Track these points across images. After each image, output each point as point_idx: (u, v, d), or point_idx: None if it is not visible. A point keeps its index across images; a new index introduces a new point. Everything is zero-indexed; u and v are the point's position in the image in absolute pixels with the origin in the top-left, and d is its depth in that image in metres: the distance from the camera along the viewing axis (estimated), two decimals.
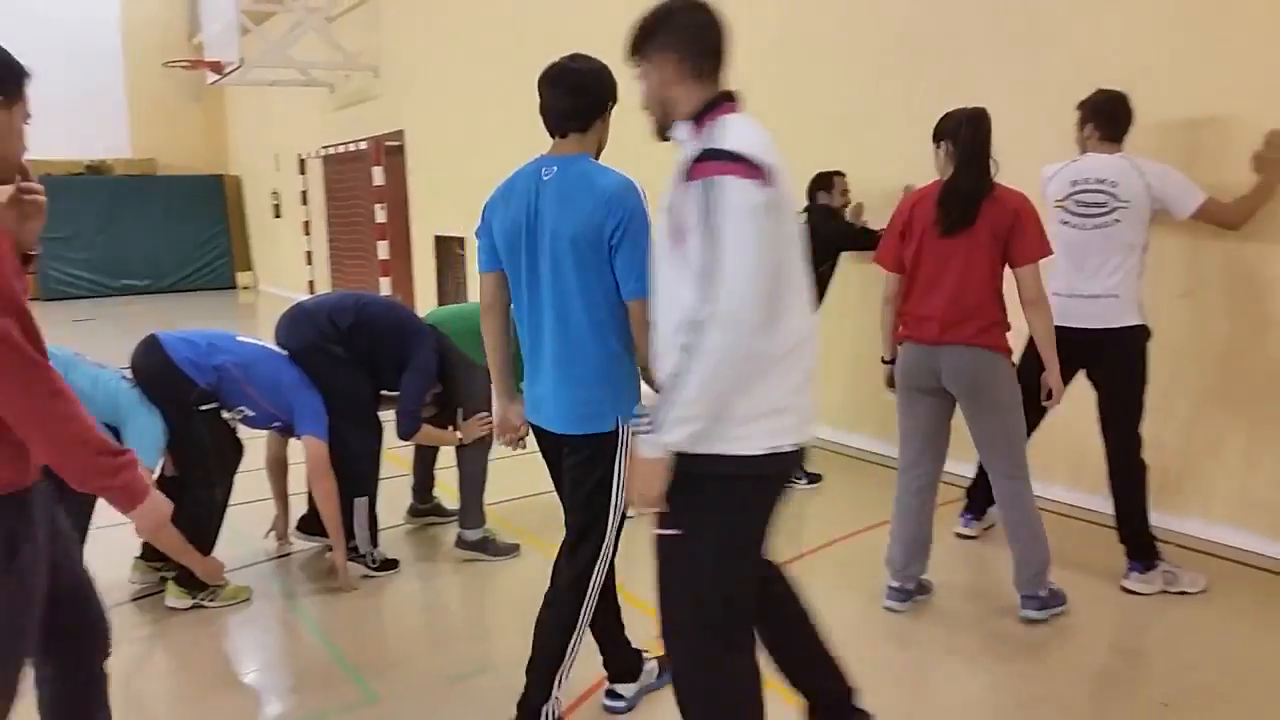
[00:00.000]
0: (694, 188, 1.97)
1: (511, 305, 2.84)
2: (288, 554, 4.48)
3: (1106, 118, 3.79)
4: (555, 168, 2.64)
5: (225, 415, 3.96)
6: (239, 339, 4.02)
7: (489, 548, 4.37)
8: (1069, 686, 3.19)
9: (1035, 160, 4.14)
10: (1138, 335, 3.76)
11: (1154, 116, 4.09)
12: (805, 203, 5.28)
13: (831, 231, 5.16)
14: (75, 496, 2.23)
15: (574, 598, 2.75)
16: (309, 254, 15.01)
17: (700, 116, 2.11)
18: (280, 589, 4.17)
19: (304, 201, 15.02)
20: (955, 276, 3.40)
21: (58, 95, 17.74)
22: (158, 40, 18.33)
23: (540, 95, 2.70)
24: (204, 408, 3.82)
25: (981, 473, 4.24)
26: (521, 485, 4.87)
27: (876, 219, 5.65)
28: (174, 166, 18.80)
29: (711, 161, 1.96)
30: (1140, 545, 3.83)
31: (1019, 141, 4.71)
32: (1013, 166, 4.32)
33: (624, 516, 2.75)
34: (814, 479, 5.25)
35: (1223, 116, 4.09)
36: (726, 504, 2.14)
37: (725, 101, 2.14)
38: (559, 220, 2.56)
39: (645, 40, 2.17)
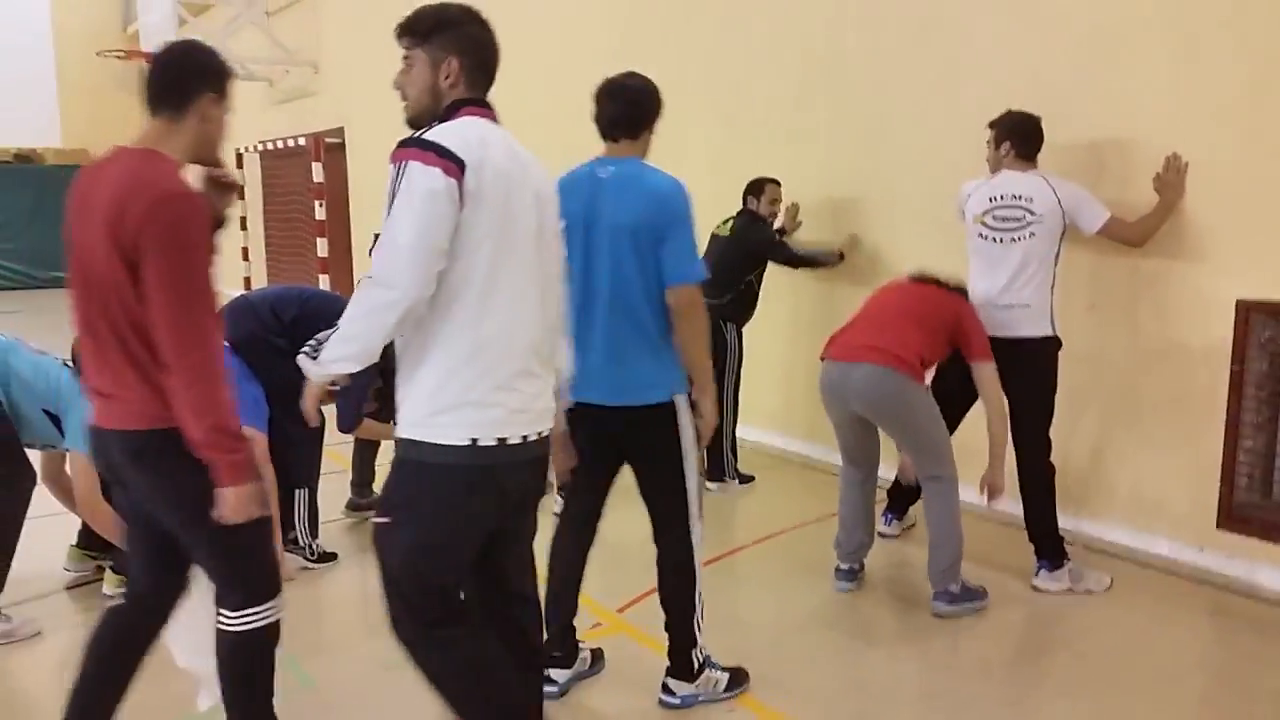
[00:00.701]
0: (391, 169, 2.15)
1: None
2: None
3: (1021, 137, 4.03)
4: (611, 168, 2.99)
5: None
6: None
7: None
8: (973, 677, 3.39)
9: (955, 177, 4.36)
10: (1048, 345, 4.00)
11: (1063, 138, 4.33)
12: (736, 210, 5.48)
13: (752, 235, 5.34)
14: None
15: (685, 553, 3.00)
16: (245, 250, 14.85)
17: (446, 115, 2.27)
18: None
19: (240, 196, 14.86)
20: None
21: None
22: (90, 29, 18.02)
23: (597, 105, 3.09)
24: None
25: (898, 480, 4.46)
26: None
27: (805, 230, 5.90)
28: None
29: (406, 148, 2.14)
30: (1048, 545, 4.06)
31: (940, 158, 4.98)
32: (933, 182, 4.54)
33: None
34: (745, 479, 5.43)
35: (1126, 139, 4.34)
36: (428, 491, 2.23)
37: (470, 105, 2.31)
38: (617, 212, 2.89)
39: (432, 31, 2.30)
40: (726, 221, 5.48)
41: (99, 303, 2.31)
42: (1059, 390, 4.15)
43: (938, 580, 3.76)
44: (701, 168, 6.56)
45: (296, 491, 4.18)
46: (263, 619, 2.51)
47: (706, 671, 3.12)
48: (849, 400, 3.80)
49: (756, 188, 5.47)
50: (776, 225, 5.72)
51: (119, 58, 14.35)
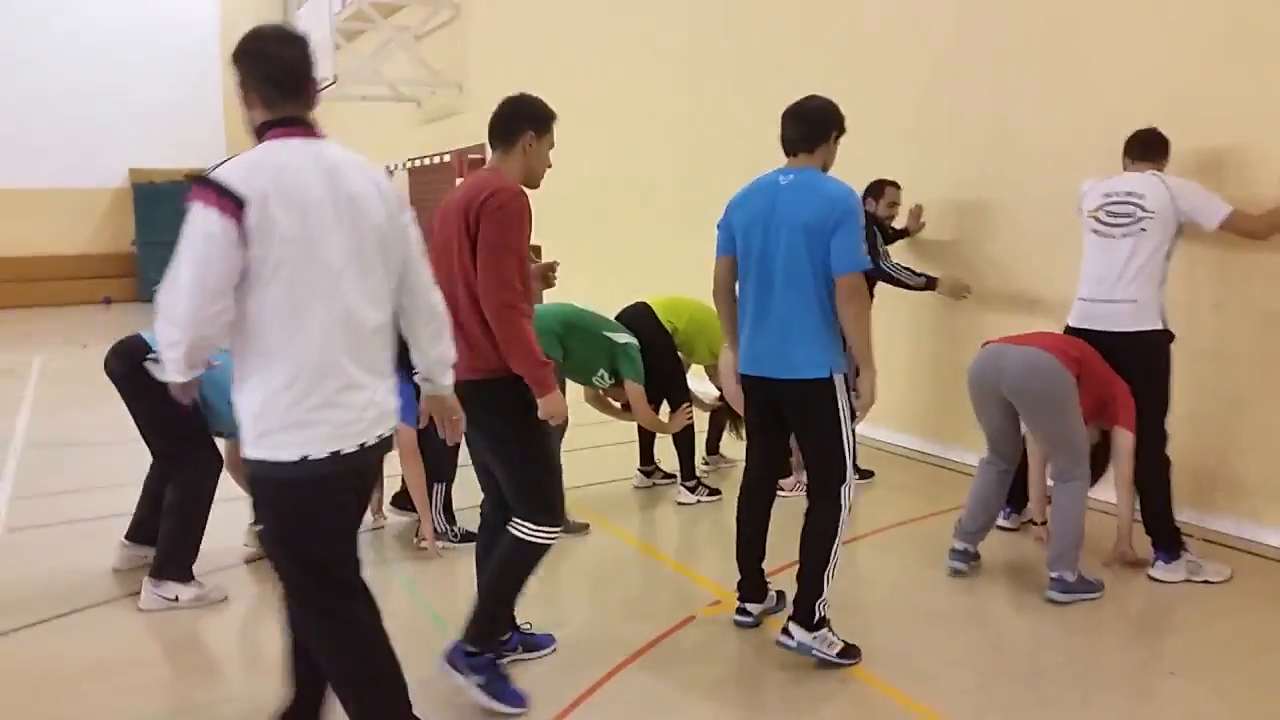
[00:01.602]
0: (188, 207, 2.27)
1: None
2: (381, 527, 4.97)
3: (1140, 144, 4.14)
4: (791, 176, 3.43)
5: None
6: None
7: (566, 526, 4.79)
8: (1082, 655, 3.48)
9: (1080, 178, 4.43)
10: (1159, 339, 4.04)
11: (1188, 140, 4.36)
12: None
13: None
14: None
15: (832, 513, 3.38)
16: None
17: (257, 140, 2.39)
18: (376, 556, 4.65)
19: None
20: None
21: (161, 108, 18.90)
22: None
23: (781, 126, 3.55)
24: None
25: (1018, 473, 4.54)
26: (591, 474, 5.29)
27: (930, 231, 6.00)
28: None
29: (195, 187, 2.25)
30: (1165, 537, 4.10)
31: (1065, 160, 5.02)
32: (1058, 183, 4.62)
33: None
34: (865, 474, 5.58)
35: (1251, 139, 4.33)
36: (277, 503, 2.45)
37: (275, 128, 2.37)
38: (795, 213, 3.31)
39: (233, 62, 2.40)
40: None
41: (452, 285, 2.98)
42: (1182, 385, 4.19)
43: (1055, 566, 3.85)
44: (834, 173, 6.73)
45: (435, 485, 4.59)
46: (542, 538, 3.10)
47: (825, 629, 3.37)
48: (1001, 382, 3.91)
49: (876, 189, 5.59)
50: (899, 226, 5.85)
51: None
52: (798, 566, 3.42)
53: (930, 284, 5.44)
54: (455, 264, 3.02)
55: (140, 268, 18.26)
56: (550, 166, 3.29)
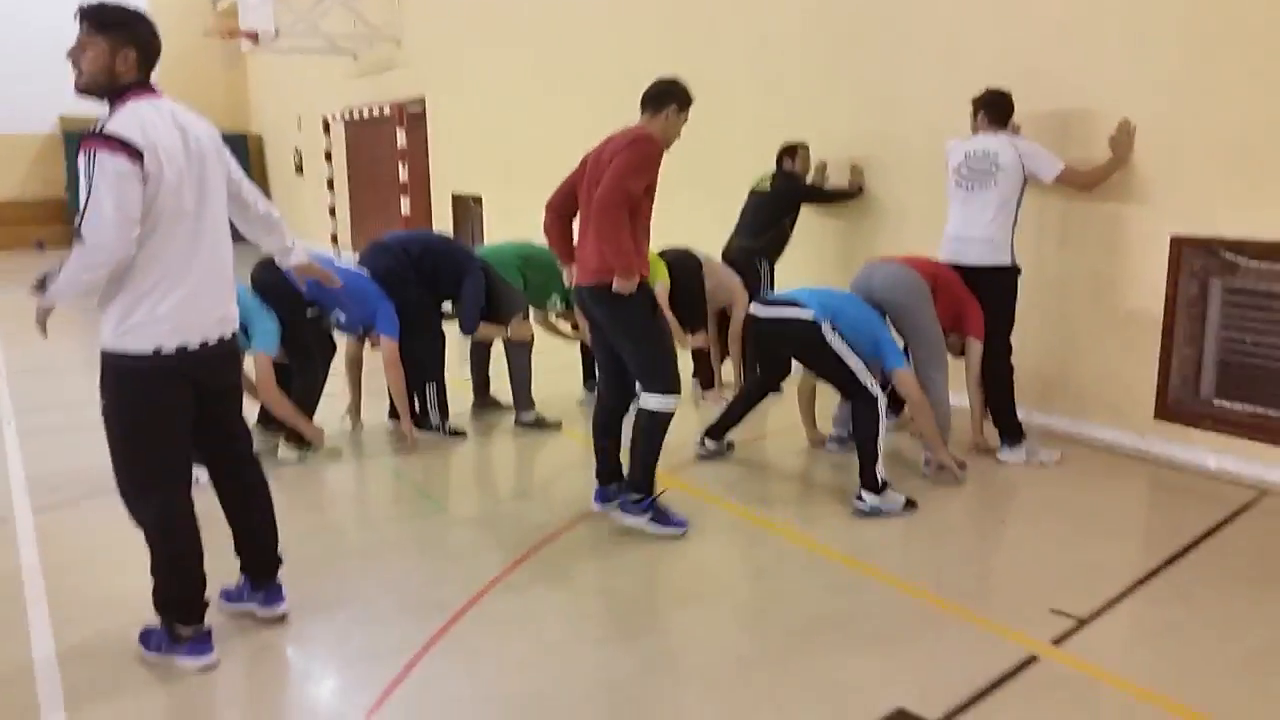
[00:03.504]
0: (81, 155, 2.73)
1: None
2: (358, 430, 5.76)
3: (991, 108, 5.07)
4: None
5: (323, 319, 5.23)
6: (335, 261, 5.26)
7: (541, 424, 5.71)
8: (948, 510, 4.48)
9: (951, 135, 5.36)
10: (1009, 272, 5.03)
11: (1039, 107, 5.33)
12: (773, 169, 6.55)
13: (787, 190, 6.44)
14: None
15: (870, 404, 4.37)
16: (332, 209, 16.17)
17: (115, 99, 2.84)
18: (364, 451, 5.46)
19: (328, 160, 16.16)
20: None
21: None
22: (180, 4, 19.40)
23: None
24: (310, 312, 5.07)
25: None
26: (547, 391, 6.14)
27: (831, 183, 6.95)
28: None
29: (95, 139, 2.71)
30: (1009, 428, 5.12)
31: (942, 122, 5.97)
32: (936, 141, 5.56)
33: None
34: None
35: (1088, 108, 5.31)
36: (123, 389, 2.93)
37: (135, 89, 2.85)
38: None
39: (97, 23, 2.84)
40: (763, 179, 6.57)
41: (589, 209, 3.94)
42: (1029, 307, 5.20)
43: (926, 449, 4.84)
44: (743, 134, 7.63)
45: (426, 384, 5.40)
46: (663, 406, 4.03)
47: (889, 490, 4.33)
48: (871, 288, 4.81)
49: (790, 151, 6.58)
50: (809, 180, 6.80)
51: (222, 37, 15.63)
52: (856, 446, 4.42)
53: (860, 189, 6.68)
54: (593, 194, 3.93)
55: (72, 213, 18.36)
56: (679, 138, 4.17)
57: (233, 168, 3.21)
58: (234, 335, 3.17)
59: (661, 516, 4.13)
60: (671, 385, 4.05)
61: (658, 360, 4.05)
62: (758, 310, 4.78)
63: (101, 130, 2.73)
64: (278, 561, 3.43)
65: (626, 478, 4.17)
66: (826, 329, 4.43)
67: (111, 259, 2.75)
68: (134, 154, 2.72)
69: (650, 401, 4.04)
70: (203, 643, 3.10)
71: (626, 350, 4.09)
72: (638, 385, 4.10)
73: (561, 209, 4.27)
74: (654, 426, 4.08)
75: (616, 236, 3.84)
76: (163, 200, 2.82)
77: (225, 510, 3.34)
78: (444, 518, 4.58)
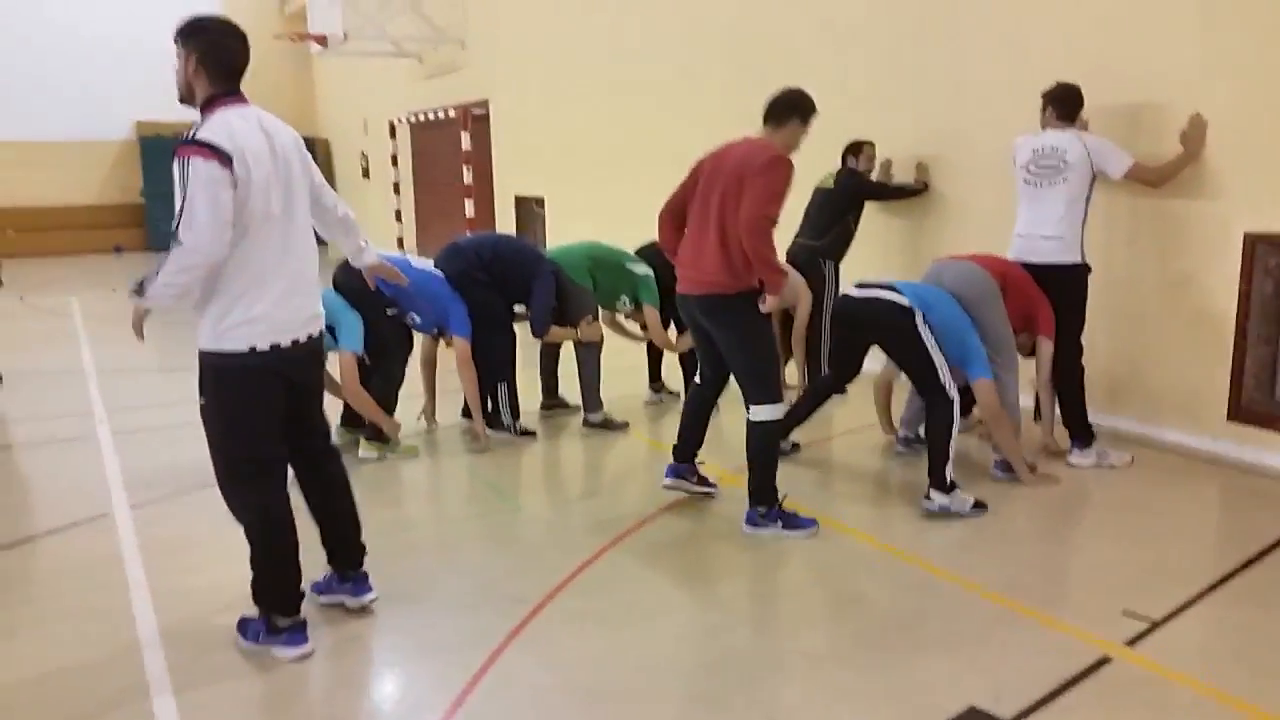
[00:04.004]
0: (176, 161, 2.87)
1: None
2: (434, 429, 5.92)
3: (1059, 103, 5.04)
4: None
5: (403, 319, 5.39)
6: (413, 263, 5.42)
7: (610, 425, 5.83)
8: (1021, 512, 4.50)
9: (1018, 131, 5.35)
10: (1079, 270, 5.01)
11: (1107, 101, 5.30)
12: (838, 165, 6.58)
13: (851, 186, 6.48)
14: None
15: (946, 405, 4.42)
16: (398, 212, 16.49)
17: (204, 108, 3.01)
18: (439, 450, 5.62)
19: (394, 164, 16.48)
20: None
21: (164, 62, 19.40)
22: (252, 9, 19.89)
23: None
24: (389, 312, 5.24)
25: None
26: (612, 392, 6.23)
27: (896, 180, 6.95)
28: None
29: (188, 146, 2.86)
30: (1080, 430, 5.10)
31: (1006, 119, 5.95)
32: (1001, 138, 5.54)
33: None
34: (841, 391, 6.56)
35: (1158, 101, 5.27)
36: (221, 387, 3.08)
37: (222, 98, 3.00)
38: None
39: (176, 35, 3.05)
40: (827, 176, 6.60)
41: (716, 218, 4.04)
42: (1099, 307, 5.18)
43: (996, 451, 4.86)
44: (814, 130, 7.64)
45: (498, 384, 5.54)
46: (771, 415, 4.19)
47: (958, 490, 4.39)
48: (940, 286, 4.79)
49: (855, 148, 6.59)
50: (874, 178, 6.81)
51: (292, 40, 16.01)
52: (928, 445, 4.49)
53: (925, 186, 6.74)
54: (715, 207, 4.07)
55: (149, 218, 18.97)
56: (798, 148, 4.24)
57: (315, 172, 3.36)
58: (321, 333, 3.32)
59: (791, 521, 4.24)
60: (778, 394, 4.24)
61: (766, 371, 4.23)
62: (852, 290, 4.82)
63: (194, 137, 2.88)
64: (362, 551, 3.57)
65: (750, 491, 4.27)
66: (919, 319, 4.46)
67: (207, 260, 2.90)
68: (224, 159, 2.86)
69: (760, 413, 4.19)
70: (298, 633, 3.25)
71: (737, 360, 4.26)
72: (745, 397, 4.23)
73: (676, 218, 4.38)
74: (767, 437, 4.24)
75: (770, 258, 4.00)
76: (253, 204, 2.96)
77: (309, 503, 3.48)
78: (518, 515, 4.71)
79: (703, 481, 4.69)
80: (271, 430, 3.19)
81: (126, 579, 3.87)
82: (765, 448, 4.24)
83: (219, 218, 2.87)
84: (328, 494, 3.50)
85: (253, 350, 3.04)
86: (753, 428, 4.22)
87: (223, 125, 2.93)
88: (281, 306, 3.08)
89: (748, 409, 4.22)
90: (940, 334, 4.49)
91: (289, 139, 3.18)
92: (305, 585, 3.40)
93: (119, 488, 4.96)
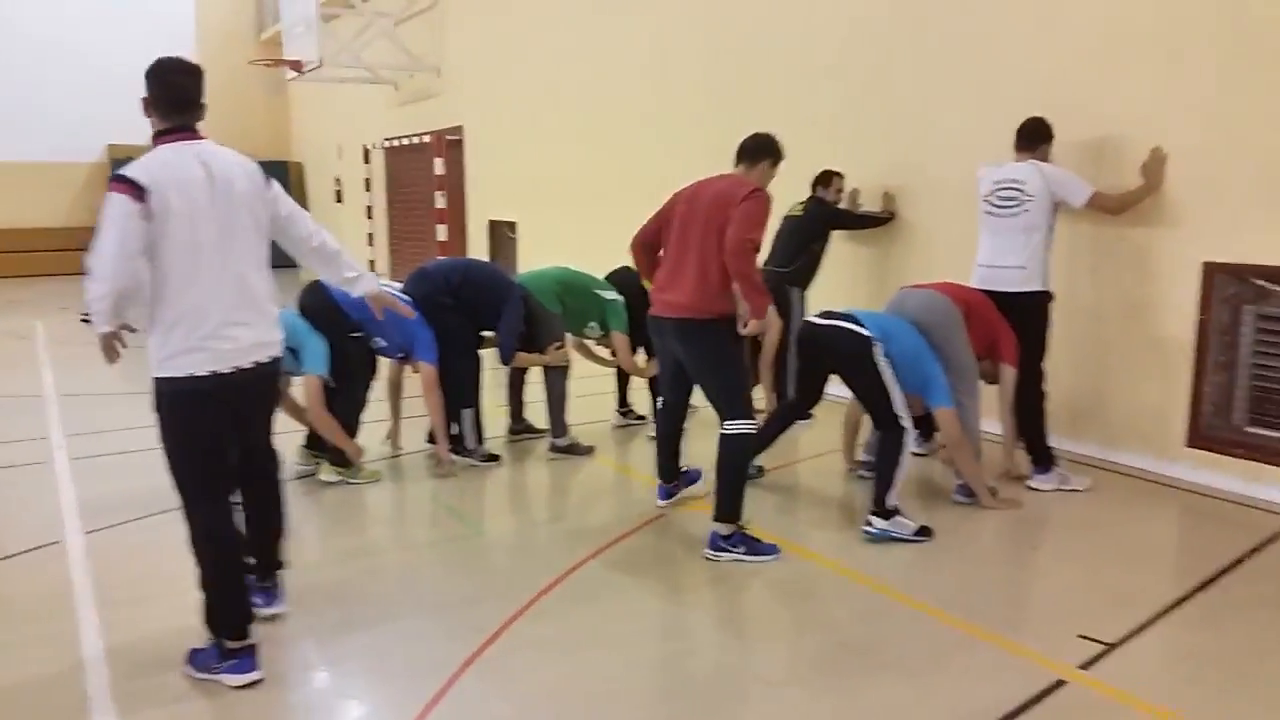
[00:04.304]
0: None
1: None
2: (399, 454, 5.88)
3: (1022, 134, 5.13)
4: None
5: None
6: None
7: (576, 449, 5.81)
8: (980, 533, 4.52)
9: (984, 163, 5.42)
10: (1041, 298, 5.07)
11: (1072, 134, 5.37)
12: (807, 194, 6.64)
13: (818, 214, 6.54)
14: None
15: (897, 436, 4.43)
16: (371, 236, 16.46)
17: (153, 142, 3.15)
18: (403, 475, 5.58)
19: (367, 189, 16.47)
20: None
21: (138, 85, 19.35)
22: (227, 37, 19.93)
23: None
24: (353, 335, 5.21)
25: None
26: (581, 416, 6.22)
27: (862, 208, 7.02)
28: (242, 152, 20.25)
29: (112, 180, 3.02)
30: (1041, 455, 5.14)
31: (973, 150, 6.03)
32: (968, 169, 5.60)
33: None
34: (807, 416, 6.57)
35: (1120, 134, 5.36)
36: (167, 411, 3.15)
37: (166, 135, 3.14)
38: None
39: (145, 81, 3.18)
40: (795, 205, 6.66)
41: (696, 247, 4.20)
42: (1061, 334, 5.24)
43: (959, 476, 4.88)
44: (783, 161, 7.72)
45: (463, 410, 5.51)
46: (746, 429, 4.23)
47: (899, 516, 4.41)
48: (903, 314, 4.83)
49: (824, 178, 6.67)
50: (842, 207, 6.87)
51: (267, 65, 16.01)
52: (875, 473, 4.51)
53: (891, 215, 6.84)
54: (695, 236, 4.24)
55: None
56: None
57: (281, 204, 3.41)
58: (272, 359, 3.33)
59: (753, 547, 4.25)
60: (751, 412, 4.30)
61: (739, 389, 4.31)
62: (815, 319, 4.86)
63: (116, 173, 3.06)
64: (279, 564, 3.65)
65: (715, 507, 4.28)
66: (878, 351, 4.48)
67: (113, 288, 3.01)
68: (137, 193, 2.97)
69: (733, 426, 4.25)
70: (247, 658, 3.20)
71: (709, 382, 4.36)
72: (720, 415, 4.29)
73: (648, 249, 4.56)
74: (740, 451, 4.28)
75: (755, 281, 4.14)
76: (176, 234, 3.04)
77: (244, 512, 3.49)
78: (480, 540, 4.68)
79: (690, 480, 5.00)
80: (214, 452, 3.23)
81: (75, 606, 3.81)
82: (736, 461, 4.26)
83: (125, 248, 2.98)
84: (261, 506, 3.55)
85: (191, 376, 3.10)
86: (725, 440, 4.25)
87: (150, 159, 3.06)
88: (220, 335, 3.13)
89: (722, 425, 4.26)
90: (901, 363, 4.52)
91: (238, 172, 3.22)
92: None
93: (73, 515, 4.89)
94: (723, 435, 4.26)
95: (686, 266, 4.27)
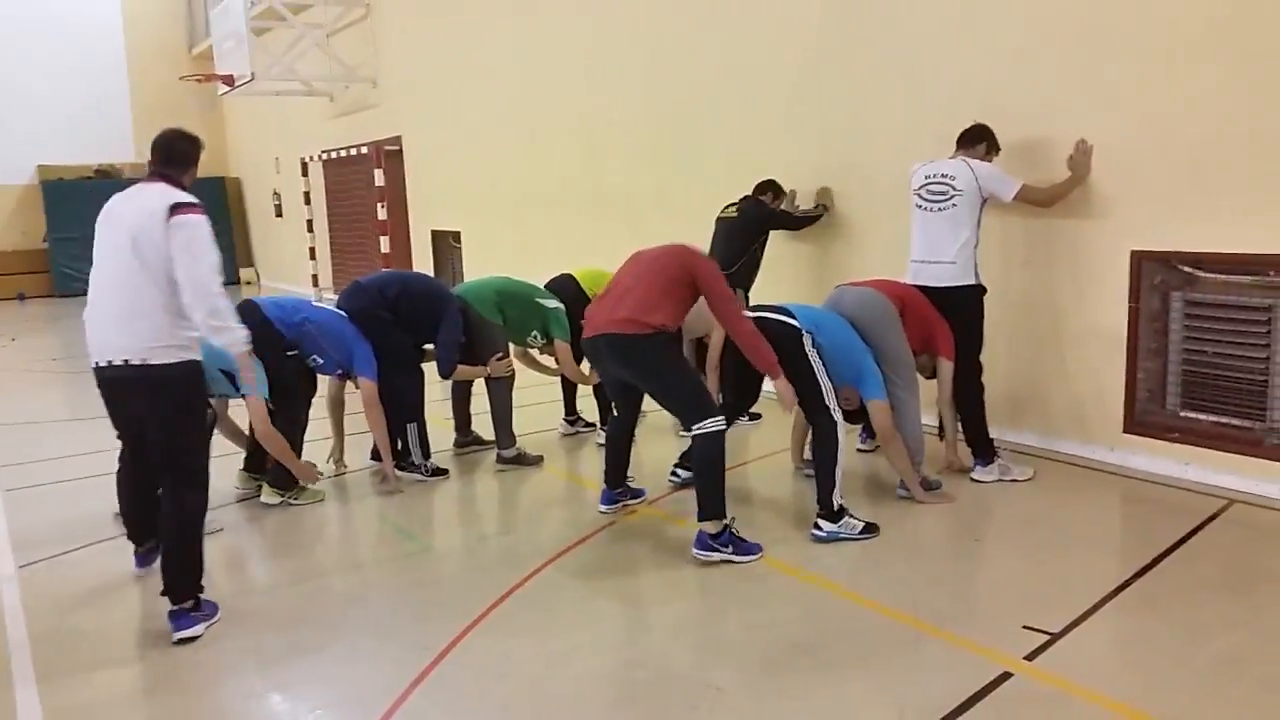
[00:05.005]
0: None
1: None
2: (343, 473, 5.80)
3: (963, 137, 5.23)
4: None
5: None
6: (314, 303, 5.33)
7: (523, 460, 5.78)
8: (923, 528, 4.57)
9: (915, 162, 5.47)
10: (973, 291, 5.14)
11: (1003, 135, 5.42)
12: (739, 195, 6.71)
13: (755, 216, 6.63)
14: None
15: (829, 431, 4.46)
16: (312, 250, 16.25)
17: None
18: (348, 494, 5.50)
19: (306, 202, 16.26)
20: None
21: (68, 105, 18.97)
22: (159, 52, 19.58)
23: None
24: (290, 354, 5.12)
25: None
26: (528, 426, 6.18)
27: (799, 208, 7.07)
28: None
29: (189, 206, 3.66)
30: (982, 446, 5.20)
31: (906, 149, 6.10)
32: (901, 167, 5.65)
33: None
34: (755, 416, 6.60)
35: (1047, 129, 5.45)
36: (195, 389, 3.81)
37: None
38: None
39: None
40: (728, 207, 6.70)
41: (646, 270, 4.41)
42: (997, 326, 5.31)
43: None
44: (715, 164, 7.76)
45: (408, 425, 5.45)
46: (714, 426, 4.21)
47: (846, 516, 4.40)
48: (840, 312, 4.87)
49: (770, 188, 6.77)
50: (801, 211, 6.96)
51: (198, 81, 15.74)
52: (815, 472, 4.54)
53: (825, 208, 6.88)
54: (644, 265, 4.46)
55: (53, 263, 18.40)
56: None
57: (174, 247, 3.60)
58: (126, 363, 3.62)
59: (739, 546, 4.24)
60: (713, 409, 4.29)
61: (692, 394, 4.32)
62: (746, 313, 4.83)
63: (188, 200, 3.72)
64: (172, 591, 3.71)
65: (699, 508, 4.25)
66: (807, 341, 4.50)
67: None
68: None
69: (703, 426, 4.23)
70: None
71: (662, 393, 4.44)
72: (684, 422, 4.36)
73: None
74: (712, 448, 4.23)
75: (760, 346, 4.38)
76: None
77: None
78: (427, 557, 4.63)
79: (634, 495, 4.99)
80: (119, 431, 4.07)
81: (6, 639, 3.70)
82: (711, 458, 4.23)
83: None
84: (161, 530, 3.85)
85: (198, 361, 3.77)
86: (697, 440, 4.24)
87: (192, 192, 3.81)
88: (92, 334, 3.74)
89: (688, 429, 4.28)
90: (832, 355, 4.56)
91: (131, 210, 3.68)
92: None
93: (5, 547, 4.75)
94: (694, 438, 4.26)
95: (625, 294, 4.35)
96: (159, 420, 3.71)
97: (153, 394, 3.65)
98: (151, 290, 3.59)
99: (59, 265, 18.26)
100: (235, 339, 3.78)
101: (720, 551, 4.20)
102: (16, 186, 18.88)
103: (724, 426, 4.27)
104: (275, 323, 5.07)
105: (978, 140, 5.24)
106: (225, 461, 5.26)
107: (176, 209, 3.60)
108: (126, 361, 3.61)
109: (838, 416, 4.48)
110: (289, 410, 5.15)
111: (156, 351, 3.60)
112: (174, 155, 3.86)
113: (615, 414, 4.85)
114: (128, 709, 3.25)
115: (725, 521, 4.23)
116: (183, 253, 3.58)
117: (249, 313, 5.08)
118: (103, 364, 3.68)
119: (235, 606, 3.95)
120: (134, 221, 3.61)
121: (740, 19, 7.52)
